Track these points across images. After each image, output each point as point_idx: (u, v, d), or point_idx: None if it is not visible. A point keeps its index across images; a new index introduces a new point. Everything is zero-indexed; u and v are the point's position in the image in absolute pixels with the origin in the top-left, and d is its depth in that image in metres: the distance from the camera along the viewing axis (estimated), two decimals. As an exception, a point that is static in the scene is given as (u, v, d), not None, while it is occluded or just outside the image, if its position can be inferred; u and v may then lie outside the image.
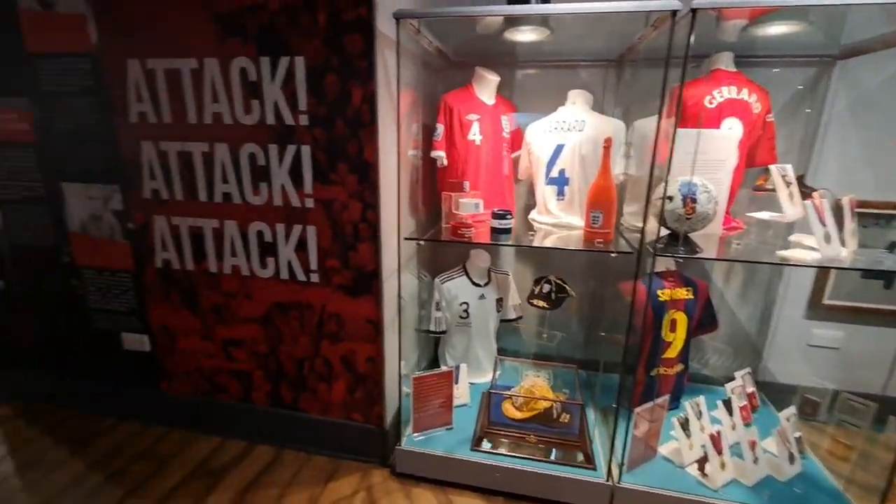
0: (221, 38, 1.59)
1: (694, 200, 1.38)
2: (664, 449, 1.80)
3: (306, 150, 1.64)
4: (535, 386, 1.92)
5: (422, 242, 1.69)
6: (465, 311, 2.19)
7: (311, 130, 1.61)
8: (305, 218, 1.71)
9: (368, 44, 1.49)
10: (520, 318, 2.37)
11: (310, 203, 1.69)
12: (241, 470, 1.90)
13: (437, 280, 2.19)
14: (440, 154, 1.92)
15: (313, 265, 1.76)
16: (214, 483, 1.82)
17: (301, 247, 1.75)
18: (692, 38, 1.22)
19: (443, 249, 2.29)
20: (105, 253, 1.98)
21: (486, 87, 1.96)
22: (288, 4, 1.51)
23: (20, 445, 2.04)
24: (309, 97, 1.58)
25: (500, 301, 2.29)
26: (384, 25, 1.51)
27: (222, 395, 2.05)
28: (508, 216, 1.68)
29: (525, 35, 1.71)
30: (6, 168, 1.97)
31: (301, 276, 1.79)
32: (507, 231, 1.69)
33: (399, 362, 1.81)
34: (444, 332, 2.22)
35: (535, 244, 1.84)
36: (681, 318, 1.94)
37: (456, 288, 2.18)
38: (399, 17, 1.42)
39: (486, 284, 2.23)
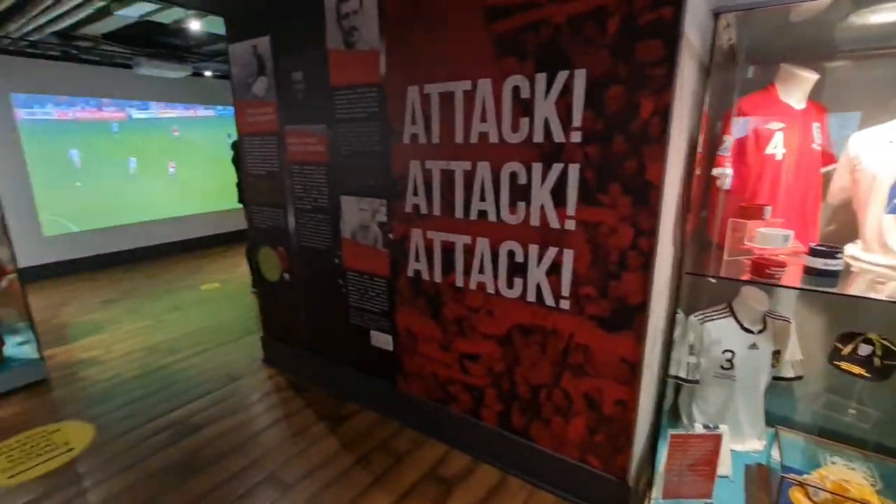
0: (497, 58, 1.60)
1: None
2: None
3: (574, 169, 1.53)
4: (848, 481, 1.44)
5: (712, 279, 1.41)
6: (730, 360, 1.80)
7: (583, 148, 1.50)
8: (563, 241, 1.61)
9: (669, 48, 1.29)
10: (799, 378, 1.86)
11: (570, 225, 1.58)
12: (469, 486, 1.90)
13: (692, 318, 1.86)
14: (725, 172, 1.61)
15: (565, 291, 1.64)
16: (446, 493, 1.85)
17: (554, 270, 1.65)
18: None
19: (704, 284, 1.94)
20: (367, 259, 2.22)
21: (798, 87, 1.57)
22: (574, 15, 1.43)
23: (291, 414, 2.44)
24: (585, 112, 1.47)
25: (776, 354, 1.83)
26: (687, 25, 1.29)
27: (453, 404, 2.10)
28: (837, 255, 1.28)
29: (883, 15, 1.28)
30: (304, 183, 2.39)
31: (549, 301, 1.69)
32: (834, 275, 1.29)
33: (660, 414, 1.56)
34: (696, 382, 1.87)
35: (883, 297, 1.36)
36: None
37: (719, 331, 1.82)
38: (720, 11, 1.19)
39: (761, 332, 1.80)
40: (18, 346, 2.89)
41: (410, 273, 2.07)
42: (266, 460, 2.08)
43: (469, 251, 1.85)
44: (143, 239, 5.71)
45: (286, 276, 2.69)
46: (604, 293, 1.56)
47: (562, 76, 1.49)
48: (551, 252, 1.64)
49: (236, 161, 4.12)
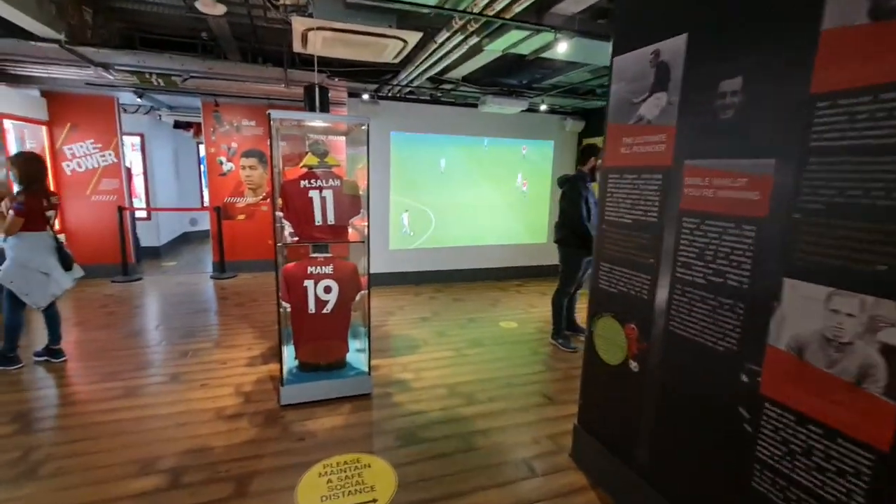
0: None
1: None
2: None
3: None
4: None
5: None
6: None
7: None
8: None
9: None
10: None
11: None
12: None
13: None
14: None
15: None
16: None
17: None
18: None
19: None
20: (828, 399, 1.21)
21: None
22: None
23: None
24: None
25: None
26: None
27: None
28: None
29: None
30: (701, 244, 1.58)
31: None
32: None
33: None
34: None
35: None
36: None
37: None
38: None
39: None
40: (357, 353, 3.15)
41: (973, 474, 0.95)
42: None
43: None
44: (459, 262, 6.13)
45: (633, 364, 1.93)
46: None
47: None
48: None
49: (566, 198, 3.73)
